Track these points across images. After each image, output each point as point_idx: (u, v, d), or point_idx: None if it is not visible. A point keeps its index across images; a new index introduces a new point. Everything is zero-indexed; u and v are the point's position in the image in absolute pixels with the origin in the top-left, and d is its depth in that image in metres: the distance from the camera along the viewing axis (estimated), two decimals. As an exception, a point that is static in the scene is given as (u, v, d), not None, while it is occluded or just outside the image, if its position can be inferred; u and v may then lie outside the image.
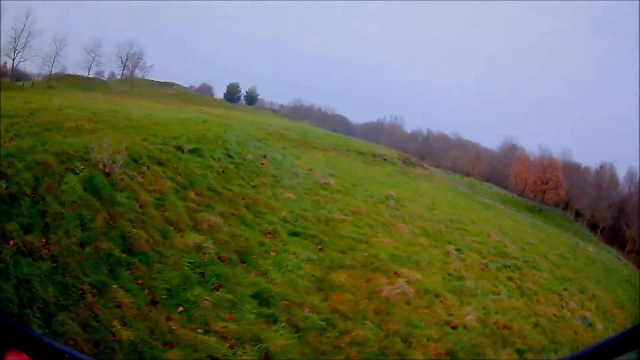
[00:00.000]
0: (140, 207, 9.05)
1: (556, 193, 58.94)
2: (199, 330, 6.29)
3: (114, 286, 6.12)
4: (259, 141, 26.23)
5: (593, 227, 59.83)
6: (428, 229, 16.17)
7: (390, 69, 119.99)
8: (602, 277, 22.81)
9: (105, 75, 55.11)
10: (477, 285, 11.27)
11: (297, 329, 7.09)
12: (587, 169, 70.06)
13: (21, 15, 41.17)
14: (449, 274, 11.69)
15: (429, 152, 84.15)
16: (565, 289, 15.71)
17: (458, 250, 14.42)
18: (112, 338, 5.41)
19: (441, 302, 9.68)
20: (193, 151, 14.40)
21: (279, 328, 6.94)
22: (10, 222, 6.02)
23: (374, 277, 9.66)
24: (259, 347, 6.33)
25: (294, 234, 11.27)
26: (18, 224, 6.05)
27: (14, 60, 41.29)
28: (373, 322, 7.94)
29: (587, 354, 1.24)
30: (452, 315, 9.17)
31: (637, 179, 61.90)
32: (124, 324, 5.63)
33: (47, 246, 6.10)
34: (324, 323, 7.46)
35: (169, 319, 6.25)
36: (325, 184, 18.60)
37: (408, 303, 9.05)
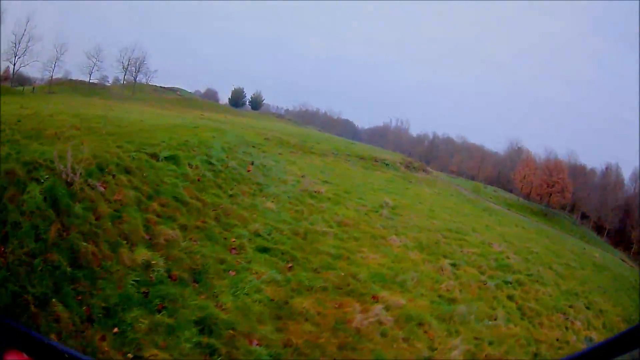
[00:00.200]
0: (96, 218, 8.17)
1: (562, 196, 57.27)
2: (129, 355, 5.74)
3: (54, 300, 5.77)
4: (254, 147, 24.98)
5: (599, 229, 58.42)
6: (423, 240, 14.68)
7: (393, 70, 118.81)
8: (609, 286, 21.05)
9: (110, 80, 54.60)
10: (471, 309, 9.79)
11: (236, 366, 5.88)
12: (592, 171, 68.46)
13: (21, 20, 40.48)
14: (440, 296, 10.21)
15: (435, 156, 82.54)
16: (570, 306, 14.14)
17: (454, 265, 12.92)
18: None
19: (425, 332, 8.24)
20: (169, 158, 13.31)
21: (215, 363, 5.83)
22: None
23: (346, 303, 8.27)
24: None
25: (263, 249, 9.95)
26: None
27: (14, 65, 40.62)
28: (332, 361, 6.57)
29: (587, 354, 1.23)
30: (435, 349, 7.72)
31: (641, 180, 60.58)
32: (59, 338, 5.34)
33: (4, 255, 5.95)
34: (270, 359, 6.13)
35: (103, 338, 5.79)
36: (315, 191, 17.25)
37: (383, 335, 7.64)
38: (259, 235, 10.72)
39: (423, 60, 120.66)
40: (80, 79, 48.44)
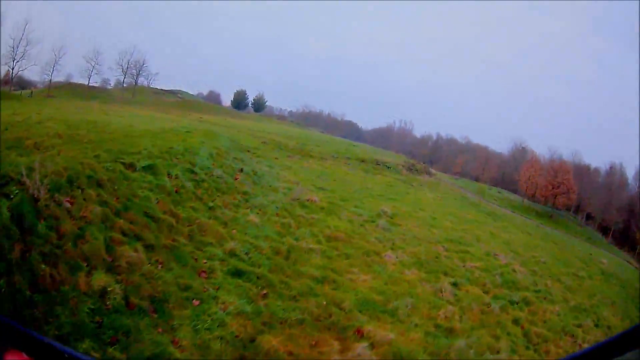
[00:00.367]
0: (59, 238, 7.25)
1: (567, 197, 55.91)
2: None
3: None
4: (248, 151, 23.82)
5: (603, 229, 57.30)
6: (422, 255, 13.39)
7: (395, 70, 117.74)
8: (617, 297, 19.63)
9: (112, 83, 53.74)
10: (471, 341, 8.48)
11: None
12: (596, 170, 67.12)
13: (19, 24, 39.65)
14: (436, 326, 8.88)
15: (439, 157, 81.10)
16: (579, 325, 12.82)
17: (455, 285, 11.61)
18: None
19: (416, 376, 6.94)
20: (146, 168, 12.19)
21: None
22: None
23: (324, 341, 7.00)
24: None
25: (236, 273, 8.71)
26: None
27: (12, 69, 39.78)
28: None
29: (587, 354, 1.23)
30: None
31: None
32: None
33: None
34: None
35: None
36: (308, 200, 16.01)
37: (365, 384, 6.35)
38: (235, 255, 9.49)
39: (424, 60, 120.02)
40: (80, 82, 47.57)
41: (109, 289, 6.87)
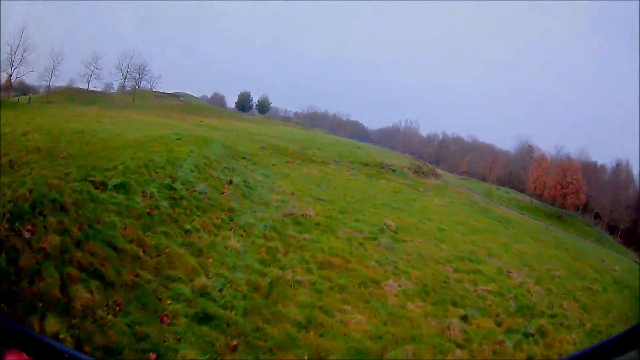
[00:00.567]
0: (16, 273, 6.27)
1: (576, 197, 53.98)
2: None
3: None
4: (244, 158, 22.34)
5: (611, 229, 55.90)
6: (428, 280, 11.77)
7: (396, 70, 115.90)
8: (631, 309, 17.92)
9: (115, 88, 52.55)
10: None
11: None
12: (603, 167, 65.19)
13: (17, 30, 38.57)
14: (443, 383, 7.27)
15: (445, 157, 79.12)
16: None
17: (464, 318, 9.95)
18: None
19: None
20: (118, 187, 10.88)
21: None
22: None
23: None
24: None
25: (204, 318, 7.19)
26: None
27: (10, 76, 38.69)
28: None
29: (587, 354, 1.22)
30: None
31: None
32: None
33: None
34: None
35: None
36: (302, 215, 14.46)
37: None
38: (205, 294, 7.94)
39: (424, 60, 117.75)
40: (82, 87, 46.43)
41: (60, 336, 5.75)
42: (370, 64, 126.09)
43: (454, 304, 10.67)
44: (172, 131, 24.54)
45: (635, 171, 60.83)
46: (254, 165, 21.24)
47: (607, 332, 13.40)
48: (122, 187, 10.89)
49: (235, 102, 69.54)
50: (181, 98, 57.85)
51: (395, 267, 12.03)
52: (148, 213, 10.33)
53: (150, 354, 6.19)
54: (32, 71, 39.90)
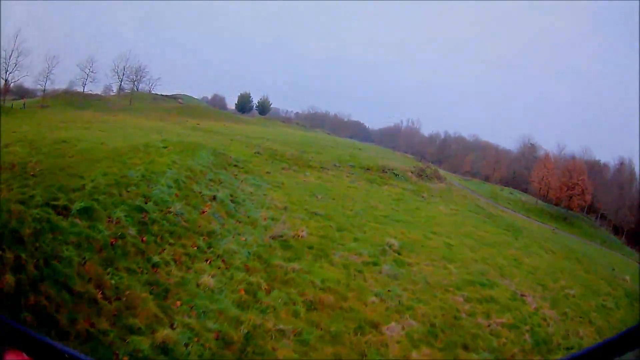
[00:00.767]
0: None
1: (582, 199, 51.91)
2: None
3: None
4: (236, 166, 20.49)
5: (616, 229, 54.24)
6: (436, 318, 9.93)
7: (394, 70, 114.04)
8: None
9: (114, 90, 50.77)
10: None
11: None
12: (606, 166, 63.38)
13: (10, 34, 36.91)
14: None
15: (447, 156, 77.04)
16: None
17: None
18: None
19: None
20: (82, 212, 9.17)
21: None
22: None
23: None
24: None
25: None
26: None
27: (6, 80, 37.02)
28: None
29: (587, 354, 1.21)
30: None
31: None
32: None
33: None
34: None
35: None
36: (294, 236, 12.59)
37: None
38: (168, 351, 6.17)
39: (424, 60, 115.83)
40: (80, 91, 44.71)
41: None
42: (371, 63, 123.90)
43: (465, 348, 8.87)
44: (161, 137, 22.72)
45: (637, 169, 58.84)
46: (246, 174, 19.37)
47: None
48: (85, 213, 9.28)
49: (235, 104, 67.68)
50: (179, 100, 55.95)
51: (399, 302, 10.17)
52: (111, 244, 8.60)
53: None
54: (27, 75, 38.28)
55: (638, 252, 44.47)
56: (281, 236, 12.21)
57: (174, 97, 55.85)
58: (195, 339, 6.77)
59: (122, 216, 9.79)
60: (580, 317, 14.11)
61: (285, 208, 15.49)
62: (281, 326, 7.67)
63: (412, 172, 34.72)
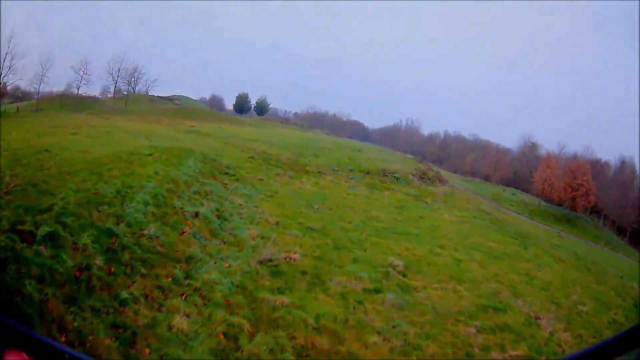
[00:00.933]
0: None
1: (586, 200, 50.48)
2: None
3: None
4: (226, 174, 18.99)
5: (619, 229, 52.48)
6: (448, 357, 8.41)
7: (394, 69, 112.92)
8: None
9: (112, 92, 49.26)
10: None
11: None
12: (607, 164, 62.16)
13: (4, 37, 35.46)
14: None
15: (447, 155, 75.57)
16: None
17: None
18: None
19: None
20: (47, 238, 7.79)
21: None
22: None
23: None
24: None
25: None
26: None
27: (0, 84, 35.57)
28: None
29: (587, 354, 1.19)
30: None
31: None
32: None
33: None
34: None
35: None
36: (285, 259, 11.10)
37: None
38: None
39: (424, 60, 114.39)
40: (71, 93, 43.22)
41: None
42: (370, 63, 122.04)
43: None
44: (149, 142, 21.24)
45: (638, 168, 57.58)
46: (237, 183, 17.91)
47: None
48: (50, 239, 7.86)
49: (233, 104, 66.07)
50: (176, 102, 54.36)
51: (405, 340, 8.68)
52: (75, 277, 7.14)
53: None
54: (21, 79, 36.87)
55: (640, 252, 43.46)
56: (270, 260, 10.73)
57: (170, 99, 54.33)
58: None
59: (89, 242, 8.36)
60: (594, 337, 12.90)
61: (277, 223, 14.03)
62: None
63: (413, 175, 33.15)
